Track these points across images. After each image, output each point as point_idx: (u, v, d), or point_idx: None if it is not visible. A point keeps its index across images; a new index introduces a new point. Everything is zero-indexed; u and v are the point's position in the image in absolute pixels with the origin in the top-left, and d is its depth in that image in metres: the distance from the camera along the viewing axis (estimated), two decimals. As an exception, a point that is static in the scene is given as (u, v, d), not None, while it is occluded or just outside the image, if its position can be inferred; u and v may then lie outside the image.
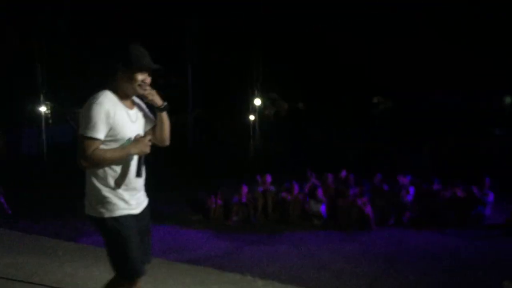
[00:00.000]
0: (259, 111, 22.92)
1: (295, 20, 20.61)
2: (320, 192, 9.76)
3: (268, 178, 10.42)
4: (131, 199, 3.00)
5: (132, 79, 2.92)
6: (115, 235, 2.93)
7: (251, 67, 22.01)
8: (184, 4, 19.88)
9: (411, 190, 9.91)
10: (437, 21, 19.04)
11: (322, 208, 9.56)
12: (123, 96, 2.96)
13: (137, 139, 2.94)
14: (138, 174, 2.98)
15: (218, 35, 21.60)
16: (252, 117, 22.26)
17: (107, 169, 2.89)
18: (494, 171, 12.48)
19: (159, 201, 11.95)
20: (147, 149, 2.95)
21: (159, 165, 17.26)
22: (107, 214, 2.91)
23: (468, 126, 18.67)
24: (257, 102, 22.78)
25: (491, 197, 9.34)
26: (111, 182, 2.91)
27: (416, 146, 17.54)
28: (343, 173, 10.90)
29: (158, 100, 3.04)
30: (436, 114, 19.79)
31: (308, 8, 19.97)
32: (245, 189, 10.17)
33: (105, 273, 5.02)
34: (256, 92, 22.35)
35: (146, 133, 3.08)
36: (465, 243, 8.14)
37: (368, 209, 9.22)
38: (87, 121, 2.75)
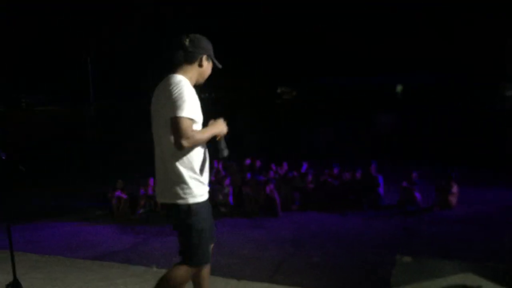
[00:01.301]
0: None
1: (198, 9, 20.44)
2: (227, 181, 9.84)
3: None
4: (206, 182, 3.02)
5: (207, 70, 3.06)
6: (199, 220, 2.93)
7: (156, 56, 21.58)
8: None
9: (310, 176, 10.34)
10: (332, 9, 19.77)
11: (229, 197, 9.64)
12: (192, 83, 2.97)
13: (215, 121, 3.04)
14: (222, 154, 3.06)
15: (123, 25, 20.89)
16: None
17: (192, 154, 2.88)
18: (384, 153, 13.39)
19: (60, 196, 11.42)
20: (226, 129, 3.05)
21: (60, 158, 16.50)
22: (191, 200, 2.89)
23: (361, 110, 19.80)
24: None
25: (380, 179, 9.95)
26: (196, 167, 2.90)
27: (317, 131, 18.26)
28: (248, 161, 11.08)
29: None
30: (334, 100, 20.67)
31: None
32: (151, 181, 9.97)
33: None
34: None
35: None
36: (363, 223, 8.62)
37: (275, 196, 9.44)
38: (182, 102, 2.77)
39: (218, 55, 3.11)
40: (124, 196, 9.80)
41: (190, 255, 3.01)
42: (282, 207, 9.46)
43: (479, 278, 2.57)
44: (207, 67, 3.06)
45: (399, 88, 23.60)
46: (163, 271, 4.77)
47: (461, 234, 7.70)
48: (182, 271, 3.04)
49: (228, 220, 9.00)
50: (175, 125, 2.76)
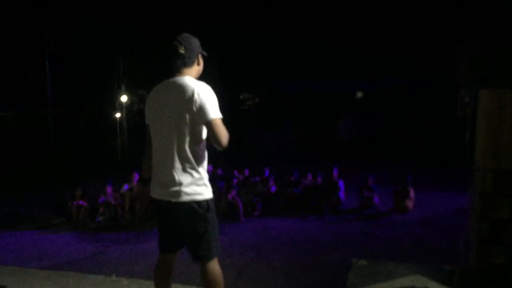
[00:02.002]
0: (126, 108, 22.27)
1: (157, 14, 20.19)
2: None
3: (136, 176, 10.19)
4: None
5: (202, 66, 3.13)
6: (214, 214, 3.02)
7: (117, 63, 21.27)
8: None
9: (272, 180, 10.43)
10: (291, 14, 19.84)
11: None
12: None
13: None
14: None
15: (81, 30, 20.46)
16: (118, 115, 21.54)
17: (204, 154, 2.99)
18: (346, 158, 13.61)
19: (17, 203, 11.08)
20: None
21: (19, 165, 15.99)
22: (208, 196, 2.98)
23: (322, 116, 20.07)
24: (124, 99, 22.13)
25: (341, 184, 10.14)
26: (205, 166, 3.03)
27: (279, 137, 18.41)
28: (210, 168, 11.03)
29: None
30: (296, 106, 20.80)
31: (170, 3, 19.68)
32: (109, 189, 9.84)
33: None
34: (123, 88, 21.70)
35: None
36: (324, 228, 8.75)
37: (237, 202, 9.47)
38: (214, 105, 2.87)
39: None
40: (83, 203, 9.63)
41: (213, 247, 3.05)
42: (244, 212, 9.50)
43: (427, 280, 2.69)
44: (202, 63, 3.15)
45: (359, 94, 24.02)
46: (122, 280, 4.75)
47: (417, 237, 7.93)
48: (215, 266, 3.07)
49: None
50: (215, 127, 2.85)
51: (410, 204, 9.53)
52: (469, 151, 3.00)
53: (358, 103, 22.96)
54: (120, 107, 21.81)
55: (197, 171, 2.95)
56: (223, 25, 19.43)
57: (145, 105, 3.20)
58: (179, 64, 3.02)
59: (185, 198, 2.94)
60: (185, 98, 2.88)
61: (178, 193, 2.95)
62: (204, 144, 3.01)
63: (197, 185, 2.95)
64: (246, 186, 10.28)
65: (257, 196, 9.99)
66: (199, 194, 2.95)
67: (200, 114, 2.85)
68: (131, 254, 7.34)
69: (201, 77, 3.10)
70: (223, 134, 2.88)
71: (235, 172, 10.90)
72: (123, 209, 9.72)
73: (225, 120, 2.96)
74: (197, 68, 3.11)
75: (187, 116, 2.88)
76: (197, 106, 2.85)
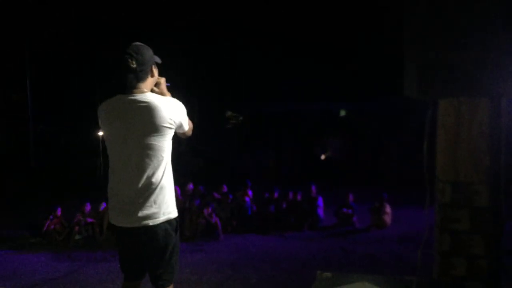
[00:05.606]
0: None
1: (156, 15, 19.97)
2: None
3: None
4: None
5: (156, 75, 2.93)
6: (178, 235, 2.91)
7: (98, 78, 21.21)
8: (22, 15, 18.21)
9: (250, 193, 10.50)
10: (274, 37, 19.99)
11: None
12: None
13: None
14: None
15: (62, 47, 20.36)
16: (101, 133, 21.39)
17: (171, 172, 2.84)
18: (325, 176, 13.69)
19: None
20: None
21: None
22: (176, 214, 2.85)
23: (305, 135, 20.23)
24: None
25: (320, 201, 10.20)
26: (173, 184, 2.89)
27: (258, 156, 18.48)
28: (190, 186, 10.97)
29: None
30: (275, 125, 20.90)
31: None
32: (88, 207, 9.76)
33: None
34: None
35: None
36: (302, 245, 8.77)
37: (215, 219, 9.45)
38: (185, 113, 2.88)
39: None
40: (58, 223, 9.53)
41: (173, 272, 2.87)
42: (223, 230, 9.48)
43: (372, 286, 2.74)
44: (156, 72, 2.90)
45: (342, 112, 24.16)
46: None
47: (394, 252, 7.98)
48: None
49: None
50: (189, 131, 3.00)
51: (387, 219, 9.61)
52: (426, 163, 3.04)
53: (337, 124, 23.09)
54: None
55: (171, 188, 2.79)
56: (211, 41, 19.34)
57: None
58: (132, 79, 2.75)
59: (158, 221, 2.73)
60: (158, 117, 2.69)
61: (152, 215, 2.72)
62: (170, 160, 2.82)
63: (170, 204, 2.77)
64: (224, 203, 10.25)
65: (236, 213, 9.99)
66: (170, 213, 2.77)
67: (179, 128, 2.84)
68: (107, 273, 7.27)
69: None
70: (191, 130, 3.01)
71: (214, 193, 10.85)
72: (101, 228, 9.62)
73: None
74: (151, 80, 2.86)
75: (158, 134, 2.70)
76: (175, 122, 2.76)
